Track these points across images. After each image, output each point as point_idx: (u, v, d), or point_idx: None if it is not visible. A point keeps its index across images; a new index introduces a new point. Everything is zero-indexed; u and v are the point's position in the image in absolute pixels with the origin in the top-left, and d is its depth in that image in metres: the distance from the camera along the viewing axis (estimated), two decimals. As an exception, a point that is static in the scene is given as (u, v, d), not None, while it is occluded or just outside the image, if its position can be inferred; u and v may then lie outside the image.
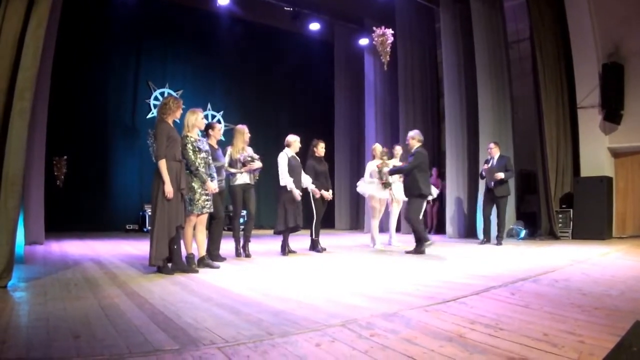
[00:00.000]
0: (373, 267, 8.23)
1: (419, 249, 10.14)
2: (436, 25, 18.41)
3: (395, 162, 12.15)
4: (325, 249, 10.99)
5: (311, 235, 11.04)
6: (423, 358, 3.24)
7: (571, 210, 13.66)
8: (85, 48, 17.21)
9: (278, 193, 10.34)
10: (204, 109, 17.94)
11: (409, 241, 12.35)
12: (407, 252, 10.32)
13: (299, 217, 10.23)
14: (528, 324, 4.00)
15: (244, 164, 9.45)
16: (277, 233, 10.48)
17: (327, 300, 5.14)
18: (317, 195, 10.54)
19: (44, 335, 3.84)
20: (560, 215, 13.79)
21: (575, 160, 14.35)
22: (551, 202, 13.70)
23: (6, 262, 5.78)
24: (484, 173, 12.68)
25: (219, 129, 9.12)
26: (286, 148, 10.43)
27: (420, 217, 11.83)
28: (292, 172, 10.19)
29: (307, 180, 10.48)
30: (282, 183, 10.12)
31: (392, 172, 10.97)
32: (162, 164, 6.95)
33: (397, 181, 11.88)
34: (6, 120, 5.99)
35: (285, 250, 10.37)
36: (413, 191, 10.34)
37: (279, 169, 10.14)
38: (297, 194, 10.06)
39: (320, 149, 10.93)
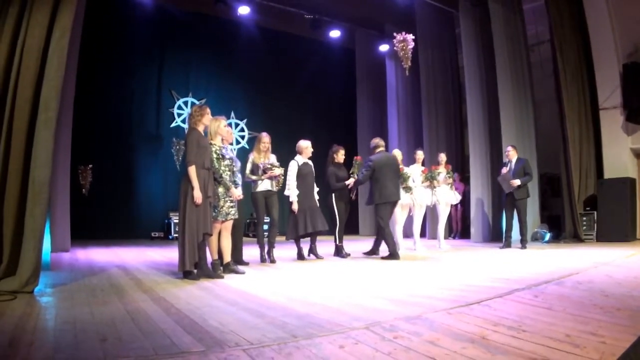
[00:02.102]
0: (396, 272, 8.21)
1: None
2: (456, 30, 18.36)
3: (417, 167, 12.15)
4: (349, 254, 10.97)
5: (335, 241, 11.03)
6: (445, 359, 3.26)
7: (595, 212, 13.56)
8: (108, 58, 17.44)
9: (288, 201, 10.28)
10: (228, 118, 18.01)
11: (433, 246, 12.39)
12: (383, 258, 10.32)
13: (310, 224, 10.16)
14: (550, 326, 3.99)
15: (264, 171, 9.52)
16: (288, 240, 10.52)
17: (350, 304, 5.16)
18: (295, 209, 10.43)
19: (71, 337, 3.90)
20: (584, 218, 13.70)
21: (599, 162, 14.27)
22: (575, 204, 13.63)
23: (33, 268, 5.88)
24: (499, 179, 12.65)
25: (231, 132, 9.16)
26: (297, 155, 10.43)
27: (443, 221, 11.92)
28: (304, 179, 10.22)
29: (294, 192, 10.22)
30: (285, 192, 10.17)
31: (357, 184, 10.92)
32: (192, 170, 7.02)
33: (419, 185, 11.91)
34: (32, 130, 6.10)
35: (301, 256, 10.37)
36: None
37: (287, 177, 10.14)
38: (295, 207, 10.06)
39: (340, 155, 10.91)
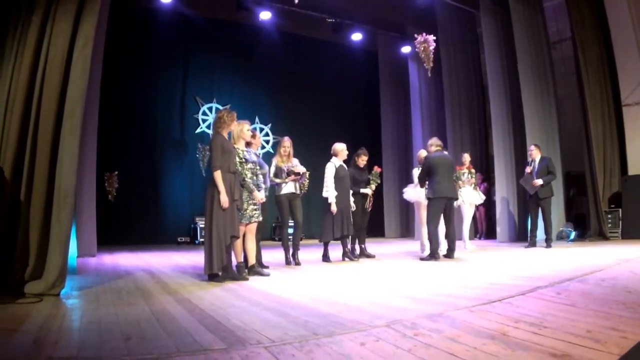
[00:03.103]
0: (420, 272, 8.20)
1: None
2: (478, 30, 18.35)
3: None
4: (374, 256, 11.00)
5: (359, 244, 11.09)
6: (466, 356, 3.26)
7: (620, 210, 13.44)
8: (132, 65, 17.58)
9: (324, 202, 10.29)
10: (252, 123, 18.08)
11: (458, 246, 12.39)
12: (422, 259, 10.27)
13: (346, 227, 10.16)
14: (572, 322, 3.98)
15: (288, 174, 9.55)
16: (323, 242, 10.47)
17: (373, 303, 5.19)
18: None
19: (96, 337, 3.98)
20: (609, 216, 13.60)
21: (623, 159, 14.11)
22: (599, 202, 13.54)
23: (59, 271, 5.97)
24: (521, 182, 12.62)
25: (259, 137, 9.21)
26: (333, 157, 10.41)
27: (468, 222, 11.89)
28: (341, 181, 10.20)
29: (332, 194, 10.15)
30: (324, 194, 10.15)
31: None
32: (218, 175, 7.10)
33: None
34: (57, 137, 6.19)
35: (327, 258, 10.38)
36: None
37: (325, 179, 10.15)
38: (334, 209, 10.01)
39: (361, 160, 10.98)
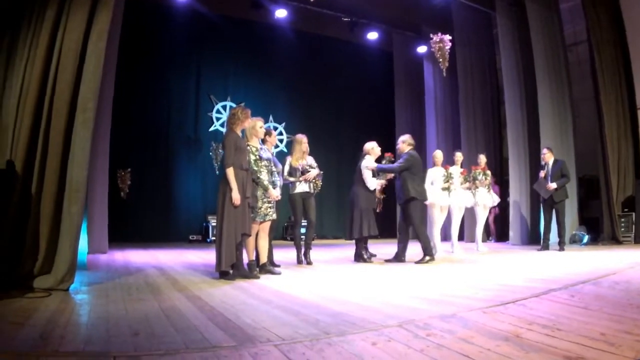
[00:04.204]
0: (433, 273, 8.16)
1: (422, 259, 9.80)
2: (494, 31, 18.27)
3: (457, 168, 12.06)
4: (375, 255, 10.96)
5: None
6: (478, 357, 3.24)
7: (633, 213, 13.35)
8: (146, 63, 17.66)
9: (354, 200, 10.21)
10: (266, 121, 18.07)
11: (470, 248, 12.34)
12: (387, 261, 10.18)
13: (373, 227, 10.13)
14: (586, 325, 3.95)
15: (302, 173, 9.52)
16: (351, 239, 10.39)
17: (385, 303, 5.16)
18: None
19: (103, 332, 3.97)
20: (622, 219, 13.49)
21: (637, 163, 14.05)
22: (613, 206, 13.44)
23: (69, 266, 5.97)
24: (535, 186, 12.58)
25: (274, 136, 9.19)
26: (367, 156, 10.39)
27: (482, 224, 11.84)
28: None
29: (373, 183, 10.21)
30: (370, 187, 10.14)
31: (380, 169, 10.43)
32: (230, 172, 7.09)
33: (458, 187, 11.88)
34: (70, 130, 6.20)
35: (361, 257, 10.29)
36: (402, 194, 10.01)
37: (364, 176, 10.10)
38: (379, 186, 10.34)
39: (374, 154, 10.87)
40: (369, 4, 18.80)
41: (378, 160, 10.54)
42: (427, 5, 17.69)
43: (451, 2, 17.78)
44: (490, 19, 18.43)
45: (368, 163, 10.14)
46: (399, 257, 10.09)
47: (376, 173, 10.42)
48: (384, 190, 11.10)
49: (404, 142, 10.40)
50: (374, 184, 10.12)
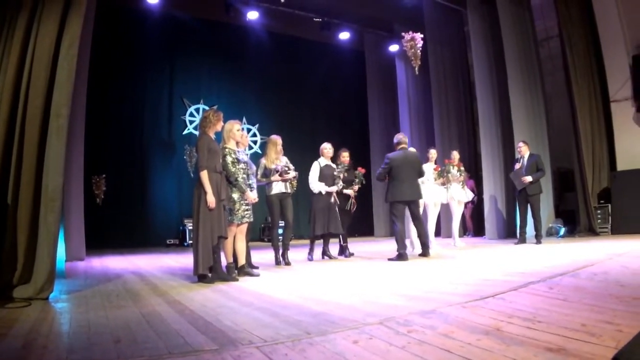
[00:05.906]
0: (411, 269, 8.18)
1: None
2: (465, 28, 18.33)
3: (430, 165, 12.06)
4: (353, 254, 11.14)
5: (339, 242, 11.23)
6: (460, 351, 3.24)
7: (609, 205, 13.50)
8: (118, 67, 17.61)
9: (311, 200, 10.52)
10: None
11: (447, 244, 12.37)
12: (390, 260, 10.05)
13: (329, 225, 10.31)
14: (566, 316, 3.97)
15: (281, 174, 9.51)
16: (312, 236, 10.66)
17: (365, 301, 5.17)
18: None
19: (85, 340, 3.95)
20: (598, 211, 13.64)
21: (611, 155, 14.21)
22: (589, 198, 13.57)
23: (47, 275, 5.93)
24: (511, 176, 12.65)
25: (246, 137, 9.16)
26: (320, 157, 10.61)
27: (457, 219, 11.91)
28: (325, 180, 10.45)
29: (318, 186, 10.45)
30: (315, 190, 10.38)
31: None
32: (204, 175, 7.08)
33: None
34: (44, 137, 6.15)
35: (325, 254, 10.61)
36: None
37: (309, 177, 10.40)
38: (335, 190, 10.36)
39: (343, 158, 10.88)
40: (341, 3, 18.86)
41: (334, 162, 10.84)
42: (398, 4, 17.70)
43: (422, 0, 17.82)
44: (461, 16, 18.48)
45: (320, 163, 10.52)
46: (424, 253, 10.20)
47: (337, 176, 10.53)
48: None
49: (395, 144, 10.48)
50: (318, 187, 10.34)
